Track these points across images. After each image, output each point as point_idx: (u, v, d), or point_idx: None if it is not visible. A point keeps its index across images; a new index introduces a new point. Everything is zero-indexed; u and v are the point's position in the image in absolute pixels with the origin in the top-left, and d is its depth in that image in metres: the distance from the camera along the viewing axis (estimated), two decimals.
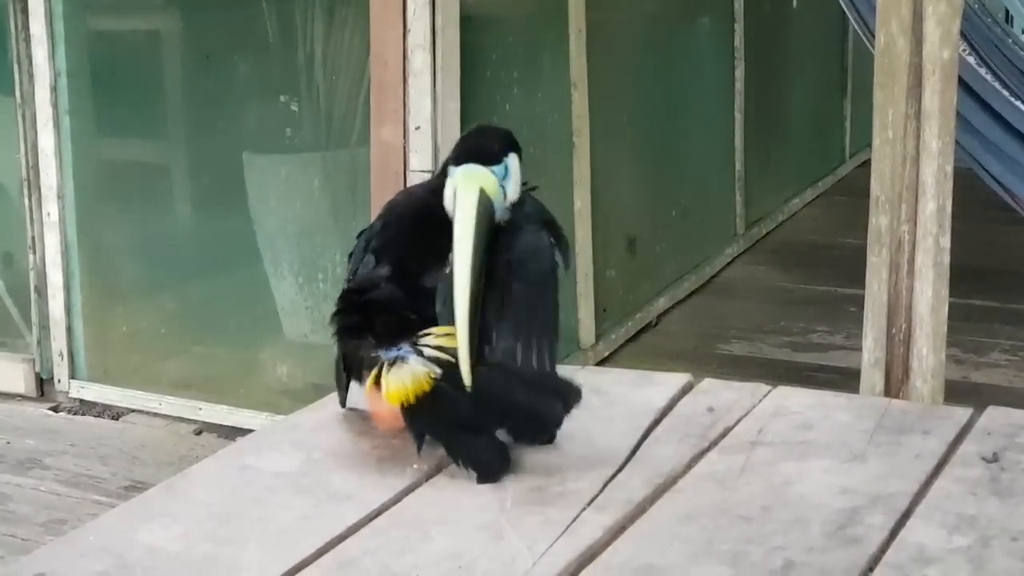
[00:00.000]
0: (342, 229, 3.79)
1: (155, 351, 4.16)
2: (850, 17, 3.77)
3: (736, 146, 5.21)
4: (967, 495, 1.56)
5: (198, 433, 3.86)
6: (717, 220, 5.17)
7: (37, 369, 4.11)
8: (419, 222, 1.79)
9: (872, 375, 2.38)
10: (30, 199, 4.02)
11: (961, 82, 2.57)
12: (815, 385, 3.17)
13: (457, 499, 1.59)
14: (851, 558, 1.42)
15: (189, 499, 1.62)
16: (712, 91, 5.15)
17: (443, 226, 1.72)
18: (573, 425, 1.71)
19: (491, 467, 1.64)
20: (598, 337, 4.17)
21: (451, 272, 1.67)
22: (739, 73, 5.18)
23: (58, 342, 4.07)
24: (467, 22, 3.40)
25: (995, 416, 1.80)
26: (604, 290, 4.21)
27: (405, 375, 1.64)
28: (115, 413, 3.99)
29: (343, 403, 1.84)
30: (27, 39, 3.94)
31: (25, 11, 3.93)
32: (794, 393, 1.92)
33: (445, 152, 1.85)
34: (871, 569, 1.40)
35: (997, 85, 3.60)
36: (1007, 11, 5.48)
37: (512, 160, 1.75)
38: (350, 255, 1.86)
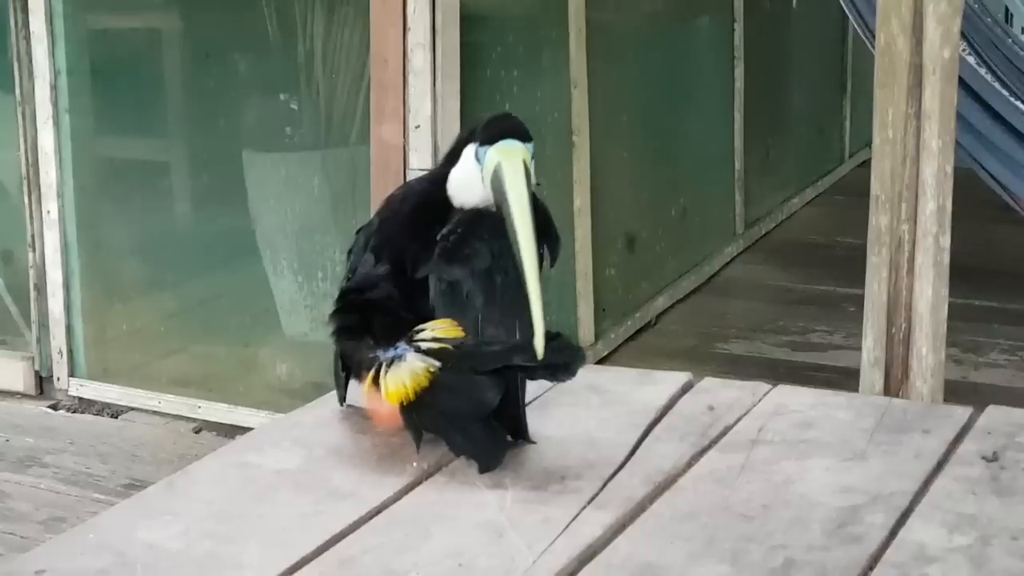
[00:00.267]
0: (342, 228, 3.79)
1: (154, 349, 4.16)
2: (850, 17, 3.76)
3: (736, 145, 5.21)
4: (967, 494, 1.56)
5: (197, 431, 3.86)
6: (717, 219, 5.17)
7: (36, 367, 4.11)
8: (418, 217, 1.79)
9: (872, 374, 2.38)
10: (30, 197, 4.02)
11: (961, 82, 2.57)
12: (814, 384, 3.15)
13: (457, 497, 1.59)
14: (851, 557, 1.42)
15: (189, 497, 1.62)
16: (712, 90, 5.15)
17: (442, 216, 1.72)
18: (573, 424, 1.70)
19: (490, 453, 1.63)
20: (597, 336, 4.17)
21: (458, 249, 1.68)
22: (739, 73, 5.18)
23: (57, 340, 4.07)
24: (467, 21, 3.40)
25: (995, 415, 1.80)
26: (603, 289, 4.21)
27: (404, 374, 1.64)
28: (114, 411, 3.99)
29: (342, 400, 1.84)
30: (27, 37, 3.94)
31: (25, 9, 3.93)
32: (794, 392, 1.92)
33: (445, 151, 1.85)
34: (871, 568, 1.40)
35: (997, 85, 3.60)
36: (1007, 10, 5.49)
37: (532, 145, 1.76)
38: (349, 252, 1.86)
